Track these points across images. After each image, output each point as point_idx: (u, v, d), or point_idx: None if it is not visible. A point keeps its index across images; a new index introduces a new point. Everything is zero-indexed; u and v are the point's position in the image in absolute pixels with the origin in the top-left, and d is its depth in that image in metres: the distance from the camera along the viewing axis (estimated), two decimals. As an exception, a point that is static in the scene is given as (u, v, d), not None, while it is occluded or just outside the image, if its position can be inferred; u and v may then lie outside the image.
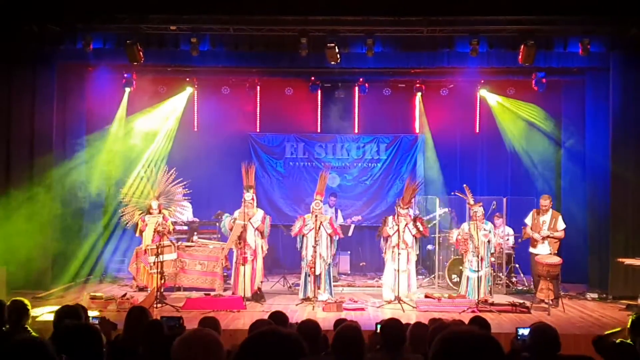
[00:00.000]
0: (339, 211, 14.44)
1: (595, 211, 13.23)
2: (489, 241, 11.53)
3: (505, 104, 14.89)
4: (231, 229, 11.61)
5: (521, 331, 5.67)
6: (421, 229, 11.63)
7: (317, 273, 11.33)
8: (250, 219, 11.48)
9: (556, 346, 4.61)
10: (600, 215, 13.02)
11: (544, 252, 11.56)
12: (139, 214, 12.14)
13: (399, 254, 11.26)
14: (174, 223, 12.64)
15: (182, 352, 2.60)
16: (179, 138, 14.89)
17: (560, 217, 11.81)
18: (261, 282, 11.87)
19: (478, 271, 11.36)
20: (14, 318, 5.71)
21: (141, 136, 14.40)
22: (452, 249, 13.11)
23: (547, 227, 11.71)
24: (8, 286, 10.80)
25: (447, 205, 13.92)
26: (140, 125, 14.46)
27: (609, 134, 12.69)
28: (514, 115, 14.85)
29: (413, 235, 11.59)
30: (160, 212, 12.06)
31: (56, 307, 6.21)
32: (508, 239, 13.11)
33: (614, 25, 11.87)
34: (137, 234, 12.18)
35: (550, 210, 11.85)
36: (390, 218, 11.72)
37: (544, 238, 11.67)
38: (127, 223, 12.45)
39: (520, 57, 11.97)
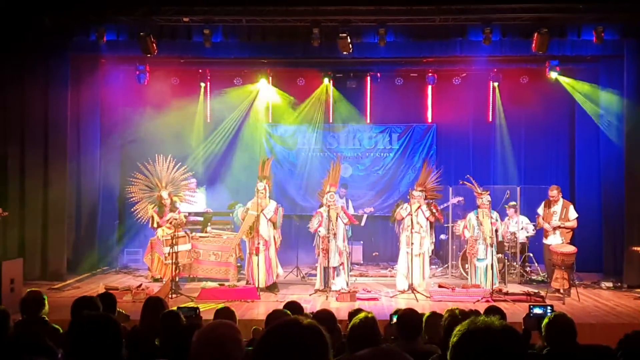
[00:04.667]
0: (349, 201, 14.46)
1: (609, 200, 13.17)
2: (496, 230, 11.54)
3: (519, 92, 14.79)
4: (244, 219, 11.63)
5: (535, 310, 5.66)
6: (435, 212, 11.63)
7: (337, 264, 11.36)
8: (263, 209, 11.49)
9: (573, 335, 4.61)
10: (615, 204, 12.97)
11: (556, 242, 11.52)
12: (152, 207, 12.15)
13: (412, 241, 11.26)
14: (188, 215, 12.65)
15: (200, 347, 2.63)
16: (192, 129, 14.94)
17: (571, 207, 11.77)
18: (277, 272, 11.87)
19: (485, 259, 11.39)
20: (31, 308, 5.76)
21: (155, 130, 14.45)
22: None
23: (557, 217, 11.68)
24: (25, 277, 10.86)
25: (458, 195, 13.86)
26: (155, 120, 14.50)
27: (623, 122, 12.62)
28: (528, 104, 14.77)
29: (427, 219, 11.58)
30: (171, 201, 12.06)
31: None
32: (523, 228, 13.06)
33: (627, 12, 11.78)
34: (154, 227, 12.20)
35: (561, 200, 11.82)
36: (405, 203, 11.73)
37: (554, 228, 11.64)
38: (142, 219, 12.43)
39: (533, 45, 11.91)
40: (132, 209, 12.47)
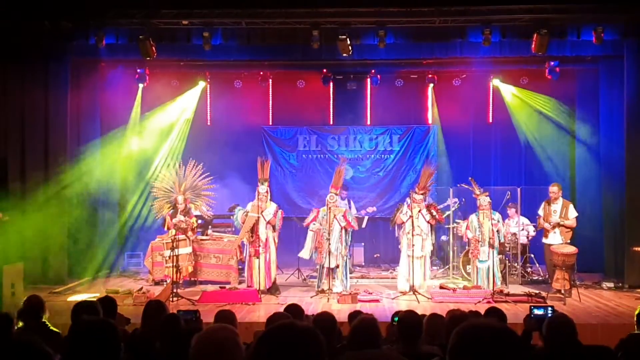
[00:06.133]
0: (351, 202, 14.46)
1: (610, 200, 13.15)
2: (497, 231, 11.54)
3: (518, 94, 14.79)
4: (244, 222, 11.65)
5: (536, 311, 5.65)
6: (435, 215, 11.62)
7: (333, 266, 11.36)
8: (262, 211, 11.51)
9: (573, 336, 4.60)
10: (616, 204, 12.95)
11: (556, 241, 11.53)
12: (168, 208, 12.23)
13: (413, 244, 11.26)
14: (198, 217, 12.71)
15: (199, 351, 2.62)
16: (193, 132, 14.98)
17: (571, 206, 11.79)
18: (276, 274, 11.88)
19: (487, 261, 11.40)
20: (32, 313, 5.76)
21: (157, 132, 14.48)
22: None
23: (557, 216, 11.69)
24: (25, 281, 10.86)
25: (458, 196, 13.85)
26: (155, 122, 14.53)
27: (623, 122, 12.61)
28: (527, 105, 14.77)
29: (427, 222, 11.59)
30: (186, 206, 12.14)
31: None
32: (524, 229, 13.06)
33: (627, 13, 11.77)
34: (166, 229, 12.28)
35: (561, 199, 11.83)
36: (405, 205, 11.73)
37: (553, 226, 11.64)
38: (156, 216, 12.59)
39: (533, 46, 11.90)
40: (150, 204, 12.59)
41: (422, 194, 11.72)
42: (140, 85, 14.23)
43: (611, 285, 12.19)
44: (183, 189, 12.31)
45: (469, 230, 11.69)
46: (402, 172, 15.62)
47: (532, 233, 13.10)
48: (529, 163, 15.07)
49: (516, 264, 12.90)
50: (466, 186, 12.00)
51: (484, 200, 11.53)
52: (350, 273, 12.54)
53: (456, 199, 13.72)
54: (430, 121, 15.57)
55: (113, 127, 14.05)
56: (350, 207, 13.84)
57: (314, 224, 11.61)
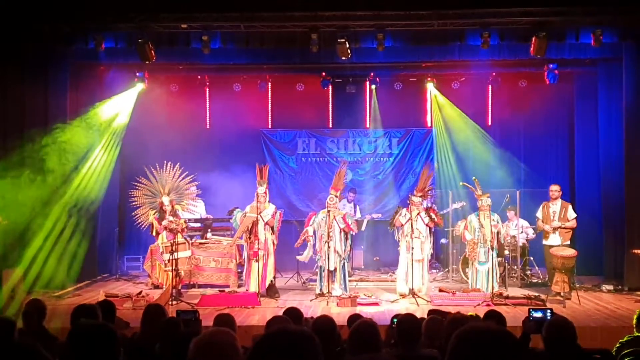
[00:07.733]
0: (357, 206, 14.49)
1: (610, 203, 13.16)
2: (497, 232, 11.54)
3: (516, 96, 14.80)
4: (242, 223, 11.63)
5: (534, 313, 5.64)
6: (434, 218, 11.62)
7: (332, 268, 11.34)
8: (261, 212, 11.48)
9: (573, 339, 4.60)
10: (615, 207, 12.95)
11: (556, 243, 11.55)
12: (153, 214, 12.15)
13: (412, 247, 11.25)
14: (187, 220, 12.63)
15: (197, 354, 2.62)
16: (192, 136, 14.96)
17: (570, 207, 11.82)
18: (274, 277, 11.81)
19: (486, 263, 11.40)
20: (33, 318, 5.75)
21: (157, 136, 14.45)
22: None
23: (557, 217, 11.71)
24: (25, 285, 10.84)
25: (460, 199, 13.85)
26: (155, 125, 14.50)
27: (622, 125, 12.61)
28: (526, 108, 14.77)
29: (426, 225, 11.58)
30: (173, 208, 12.06)
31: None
32: (523, 232, 13.06)
33: (625, 15, 11.78)
34: (154, 234, 12.19)
35: (560, 200, 11.86)
36: (404, 209, 11.73)
37: (554, 229, 11.65)
38: (142, 225, 12.46)
39: (532, 48, 11.90)
40: (132, 213, 12.50)
41: (420, 197, 11.71)
42: (138, 88, 14.18)
43: (611, 287, 12.18)
44: (167, 190, 12.23)
45: (467, 231, 11.69)
46: (402, 175, 15.63)
47: (532, 235, 13.11)
48: (528, 166, 15.08)
49: (515, 267, 12.89)
50: (468, 186, 12.01)
51: (485, 201, 11.53)
52: (350, 276, 12.54)
53: (464, 202, 13.70)
54: (429, 124, 15.58)
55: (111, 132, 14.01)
56: (355, 212, 13.89)
57: (309, 228, 11.62)
